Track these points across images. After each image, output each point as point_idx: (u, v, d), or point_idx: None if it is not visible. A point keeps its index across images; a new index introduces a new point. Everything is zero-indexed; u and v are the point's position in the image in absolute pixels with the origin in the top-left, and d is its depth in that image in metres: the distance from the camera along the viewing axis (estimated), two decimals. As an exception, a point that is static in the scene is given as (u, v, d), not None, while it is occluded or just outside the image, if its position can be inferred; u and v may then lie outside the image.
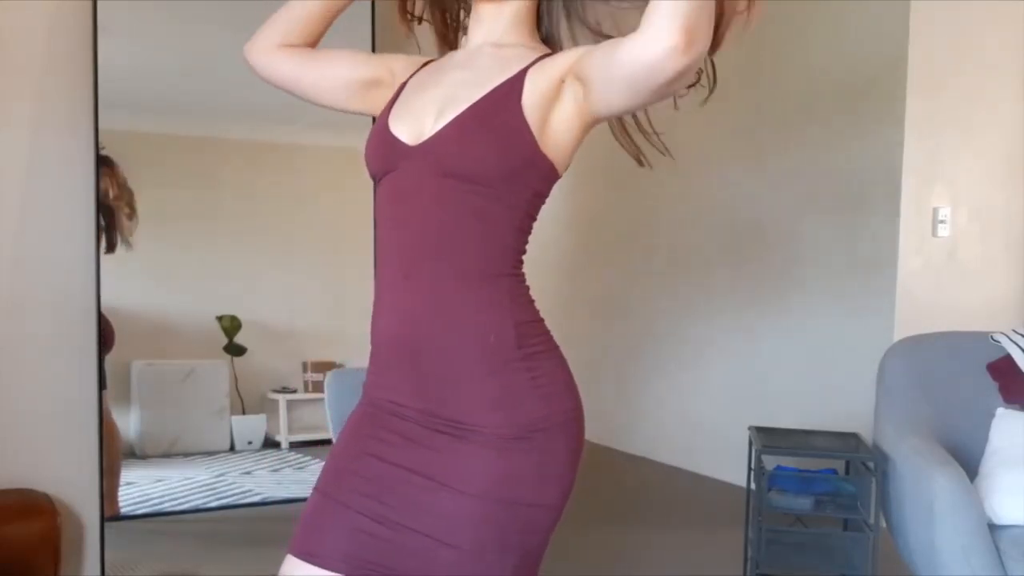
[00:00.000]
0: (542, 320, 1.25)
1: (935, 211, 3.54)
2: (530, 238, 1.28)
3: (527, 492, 1.18)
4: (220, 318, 2.75)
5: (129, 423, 2.67)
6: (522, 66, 1.19)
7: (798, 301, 3.81)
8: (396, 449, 1.21)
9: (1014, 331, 2.57)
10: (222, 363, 2.78)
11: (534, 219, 1.24)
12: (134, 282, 2.60)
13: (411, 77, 1.30)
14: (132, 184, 2.52)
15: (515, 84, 1.17)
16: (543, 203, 1.24)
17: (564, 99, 1.18)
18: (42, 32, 2.19)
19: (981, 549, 2.07)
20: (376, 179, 1.25)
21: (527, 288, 1.26)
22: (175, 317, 2.77)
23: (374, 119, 1.31)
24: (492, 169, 1.16)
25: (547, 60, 1.21)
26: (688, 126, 4.75)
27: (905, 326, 3.32)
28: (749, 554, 2.76)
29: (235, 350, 2.77)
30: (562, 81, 1.17)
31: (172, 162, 2.71)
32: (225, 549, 2.72)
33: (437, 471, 1.18)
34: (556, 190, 1.26)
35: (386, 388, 1.23)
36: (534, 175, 1.19)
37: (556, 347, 1.26)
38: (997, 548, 2.10)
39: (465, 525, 1.16)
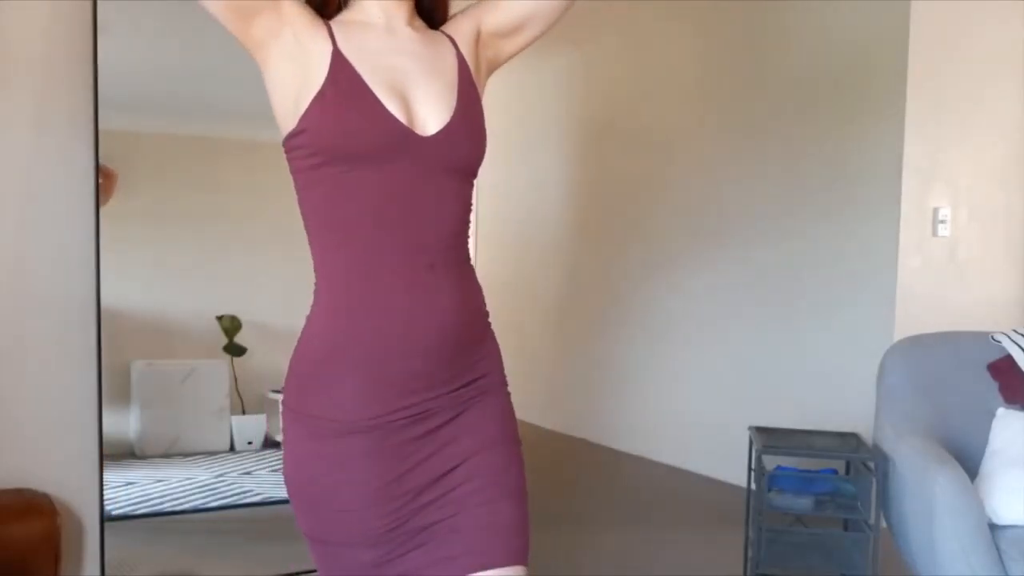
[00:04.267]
0: None
1: (935, 211, 3.54)
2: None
3: (516, 429, 1.35)
4: (220, 318, 2.75)
5: (129, 423, 2.67)
6: (450, 49, 1.27)
7: (798, 301, 3.81)
8: (422, 467, 1.24)
9: (1014, 331, 2.57)
10: (222, 363, 2.78)
11: None
12: (134, 282, 2.60)
13: (336, 47, 1.19)
14: (131, 184, 2.51)
15: (466, 71, 1.27)
16: None
17: (483, 69, 1.30)
18: (42, 32, 2.19)
19: (981, 549, 2.07)
20: (360, 157, 1.17)
21: None
22: (175, 317, 2.76)
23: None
24: (481, 160, 1.26)
25: (455, 38, 1.29)
26: (688, 126, 4.79)
27: (905, 326, 3.32)
28: (749, 554, 2.76)
29: (235, 350, 2.77)
30: (476, 52, 1.29)
31: (172, 162, 2.71)
32: (225, 549, 2.72)
33: (466, 446, 1.26)
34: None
35: (409, 392, 1.22)
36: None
37: None
38: (997, 548, 2.10)
39: (517, 475, 1.30)
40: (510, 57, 1.34)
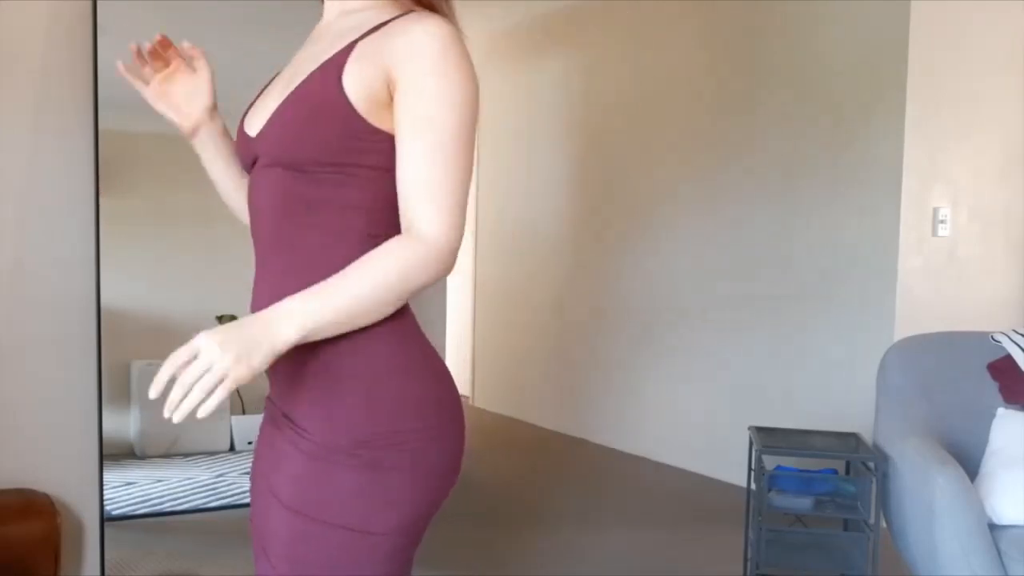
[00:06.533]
0: (404, 318, 1.11)
1: (935, 211, 3.54)
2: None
3: (346, 514, 1.05)
4: (220, 318, 2.75)
5: (129, 423, 2.67)
6: (355, 36, 1.10)
7: (798, 301, 3.82)
8: (260, 462, 1.20)
9: (1014, 331, 2.57)
10: (222, 363, 2.78)
11: (391, 199, 1.09)
12: (134, 282, 2.60)
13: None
14: (131, 184, 2.51)
15: (341, 56, 1.08)
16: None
17: (374, 84, 1.08)
18: (42, 32, 2.19)
19: (981, 549, 2.07)
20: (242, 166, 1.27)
21: None
22: (175, 317, 2.77)
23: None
24: (314, 152, 1.08)
25: (384, 35, 1.09)
26: (688, 129, 4.79)
27: (905, 326, 3.33)
28: (749, 554, 2.76)
29: (235, 350, 2.77)
30: (387, 82, 1.07)
31: (172, 162, 2.71)
32: (225, 549, 2.72)
33: (272, 478, 1.14)
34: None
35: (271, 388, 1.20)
36: (367, 150, 1.08)
37: (417, 354, 1.11)
38: (997, 548, 2.10)
39: (280, 541, 1.09)
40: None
